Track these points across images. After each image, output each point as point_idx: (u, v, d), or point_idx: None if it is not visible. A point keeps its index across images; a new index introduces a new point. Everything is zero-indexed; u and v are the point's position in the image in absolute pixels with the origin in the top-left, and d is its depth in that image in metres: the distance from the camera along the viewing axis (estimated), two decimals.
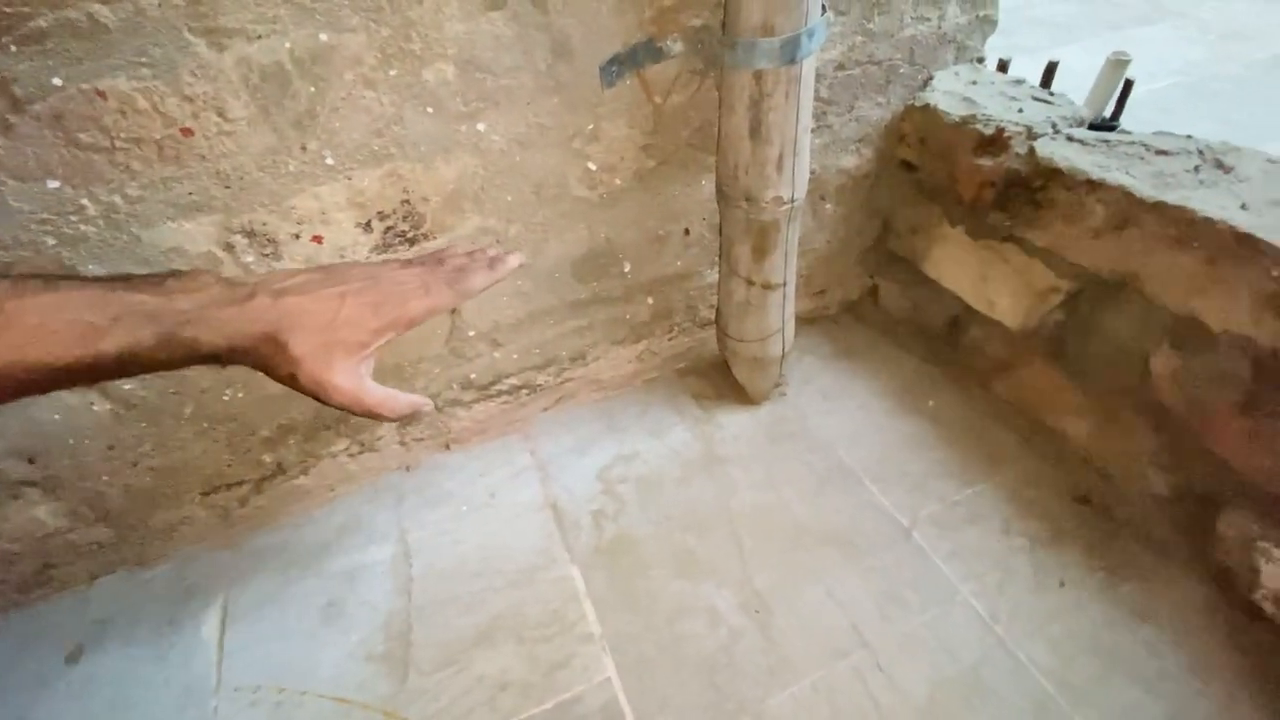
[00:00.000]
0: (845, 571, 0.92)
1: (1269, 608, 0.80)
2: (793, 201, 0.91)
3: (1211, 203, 0.75)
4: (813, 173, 1.09)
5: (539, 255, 0.98)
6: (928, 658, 0.82)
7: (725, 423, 1.15)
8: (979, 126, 0.97)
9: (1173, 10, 3.01)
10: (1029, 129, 0.94)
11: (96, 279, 0.42)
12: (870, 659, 0.82)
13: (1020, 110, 0.98)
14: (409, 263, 0.54)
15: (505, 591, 0.93)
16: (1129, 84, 1.47)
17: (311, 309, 0.46)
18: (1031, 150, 0.92)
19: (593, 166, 0.93)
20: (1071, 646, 0.82)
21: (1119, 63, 1.43)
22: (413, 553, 0.99)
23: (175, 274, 0.44)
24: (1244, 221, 0.72)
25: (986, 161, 0.97)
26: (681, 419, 1.17)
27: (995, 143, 0.96)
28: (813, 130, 1.04)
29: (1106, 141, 0.90)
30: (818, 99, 1.01)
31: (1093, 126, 1.51)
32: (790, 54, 0.78)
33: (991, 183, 0.97)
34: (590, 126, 0.89)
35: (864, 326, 1.32)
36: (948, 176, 1.04)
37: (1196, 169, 0.82)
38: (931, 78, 1.08)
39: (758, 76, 0.80)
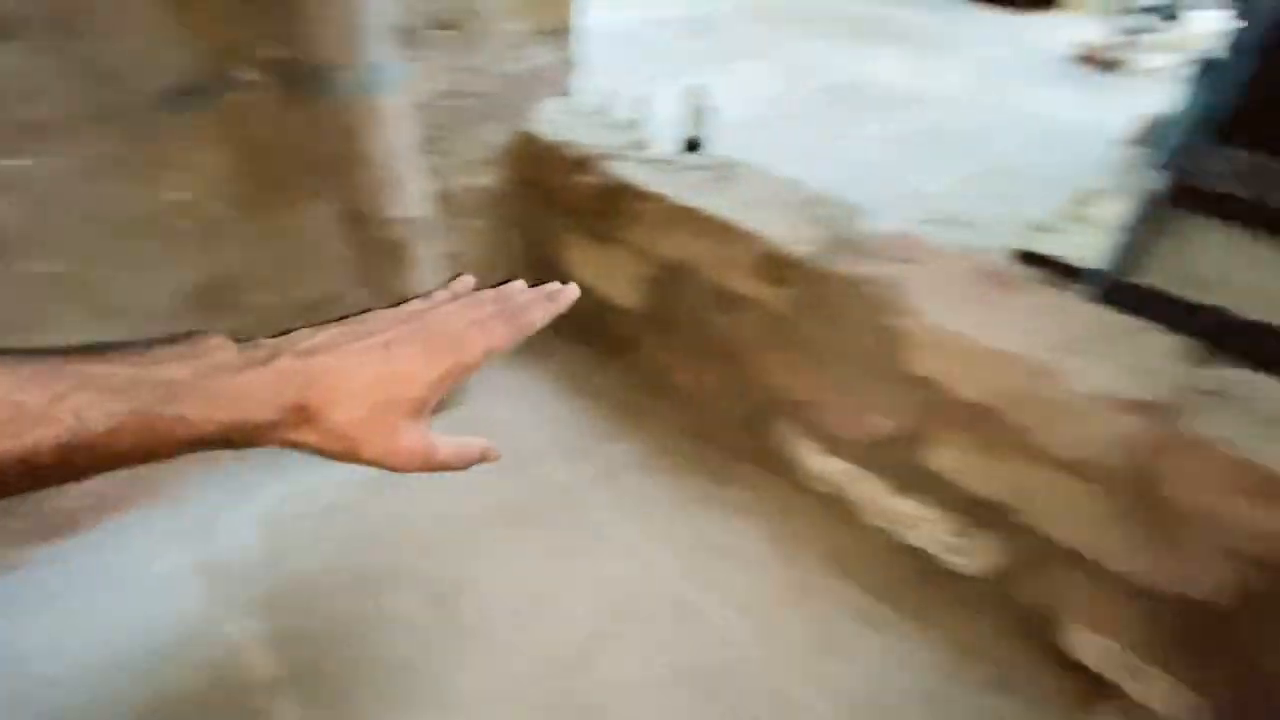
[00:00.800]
0: (525, 540, 1.04)
1: (816, 485, 1.13)
2: (413, 220, 0.99)
3: (714, 204, 1.03)
4: (452, 193, 1.19)
5: (141, 294, 0.90)
6: (590, 589, 0.98)
7: None
8: (566, 150, 1.17)
9: (768, 49, 3.89)
10: (604, 151, 1.16)
11: (51, 349, 0.31)
12: (544, 607, 0.95)
13: (599, 137, 1.20)
14: (452, 298, 0.45)
15: (162, 671, 0.85)
16: (710, 112, 1.89)
17: (351, 367, 0.37)
18: (608, 169, 1.15)
19: (185, 196, 0.89)
20: (699, 544, 1.05)
21: (694, 93, 1.81)
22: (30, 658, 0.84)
23: (169, 338, 0.34)
24: (731, 215, 1.01)
25: (582, 179, 1.17)
26: None
27: (583, 163, 1.16)
28: (433, 152, 1.14)
29: (656, 161, 1.15)
30: (433, 124, 1.11)
31: (689, 146, 1.88)
32: (369, 85, 0.85)
33: (588, 195, 1.18)
34: (167, 155, 0.86)
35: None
36: (559, 192, 1.23)
37: (713, 180, 1.11)
38: (532, 107, 1.26)
39: (348, 105, 0.86)
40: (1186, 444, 0.73)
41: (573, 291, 0.48)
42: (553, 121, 1.23)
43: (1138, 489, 0.78)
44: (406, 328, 0.40)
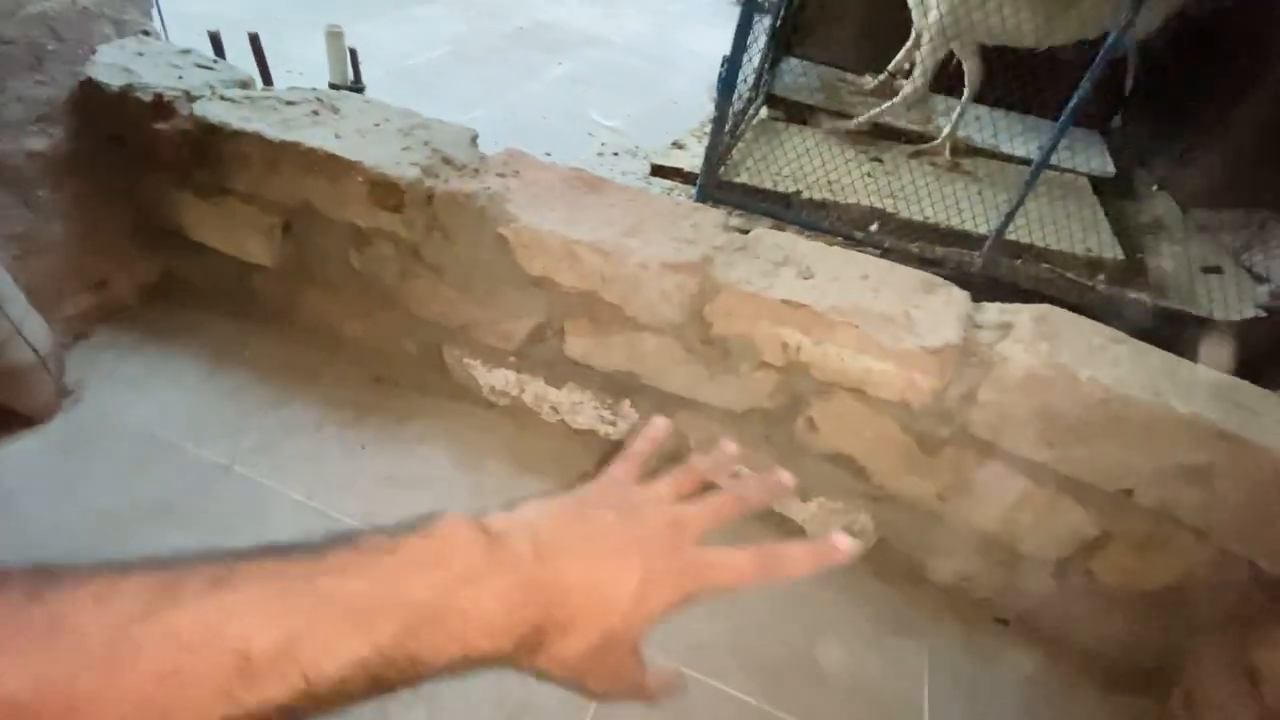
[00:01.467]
0: (171, 533, 0.95)
1: (497, 399, 1.21)
2: None
3: (315, 136, 1.01)
4: None
5: None
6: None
7: (3, 456, 1.00)
8: (138, 94, 1.03)
9: None
10: (187, 93, 1.05)
11: (274, 548, 0.23)
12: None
13: (180, 77, 1.08)
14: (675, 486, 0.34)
15: None
16: (354, 52, 1.80)
17: (595, 582, 0.28)
18: (191, 111, 1.04)
19: None
20: (382, 481, 1.07)
21: (334, 35, 1.71)
22: None
23: (411, 526, 0.26)
24: (334, 146, 0.99)
25: (163, 125, 1.05)
26: None
27: (160, 108, 1.04)
28: None
29: (250, 99, 1.08)
30: None
31: (338, 89, 1.78)
32: None
33: (177, 144, 1.06)
34: None
35: (171, 304, 1.31)
36: (146, 144, 1.09)
37: (315, 113, 1.07)
38: (95, 52, 1.08)
39: None
40: (718, 289, 0.94)
41: (844, 545, 0.35)
42: (121, 65, 1.07)
43: (698, 334, 0.99)
44: (658, 535, 0.32)
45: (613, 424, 1.17)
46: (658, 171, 1.90)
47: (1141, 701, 0.99)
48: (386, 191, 0.99)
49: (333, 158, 0.98)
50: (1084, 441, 0.83)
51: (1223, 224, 1.63)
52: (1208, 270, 1.49)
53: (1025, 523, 0.94)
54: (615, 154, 2.32)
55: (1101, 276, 1.52)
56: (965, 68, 1.83)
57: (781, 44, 2.01)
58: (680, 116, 2.72)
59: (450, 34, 3.22)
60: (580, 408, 1.17)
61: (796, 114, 2.05)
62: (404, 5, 3.49)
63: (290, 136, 1.00)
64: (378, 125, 1.06)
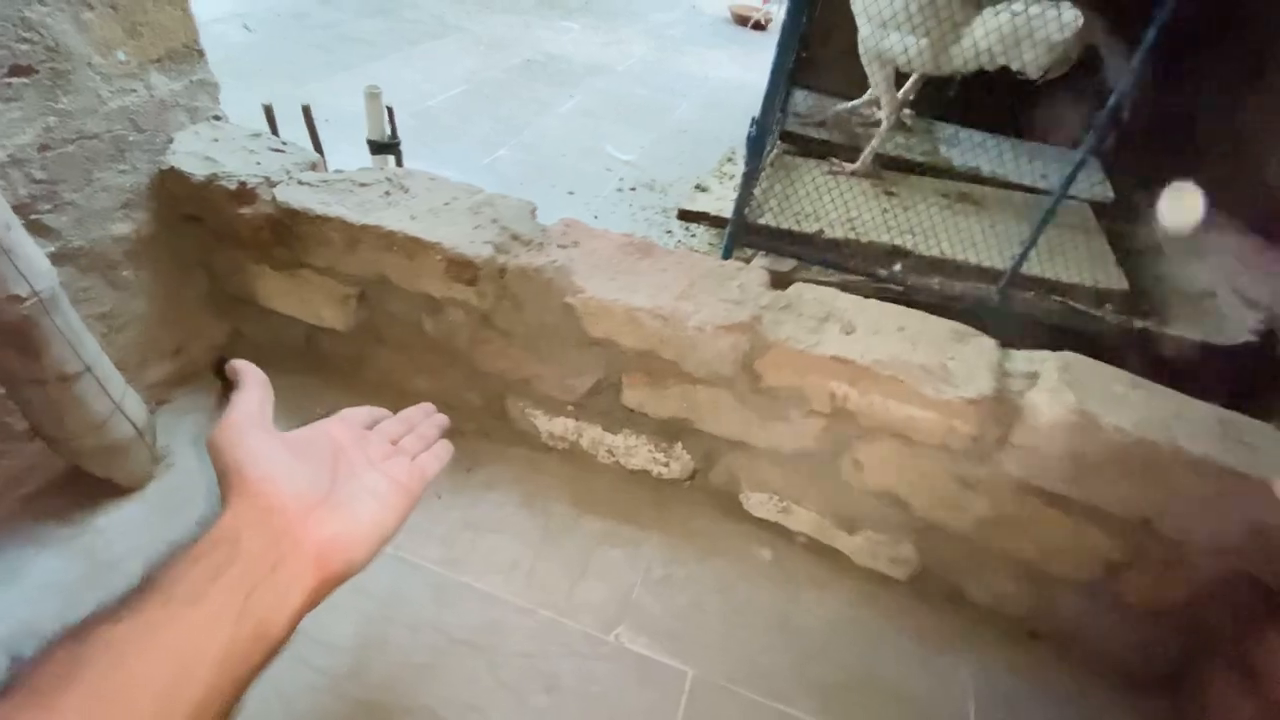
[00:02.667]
0: None
1: (555, 444, 1.30)
2: (37, 294, 0.89)
3: (393, 219, 1.10)
4: (80, 249, 1.07)
5: None
6: (353, 602, 1.03)
7: (106, 525, 1.08)
8: (223, 183, 1.12)
9: (454, 26, 3.85)
10: (268, 179, 1.14)
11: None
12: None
13: (258, 163, 1.17)
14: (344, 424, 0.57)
15: None
16: (391, 110, 1.89)
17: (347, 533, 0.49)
18: (274, 197, 1.13)
19: None
20: (458, 528, 1.15)
21: (373, 95, 1.80)
22: None
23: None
24: (412, 228, 1.08)
25: (246, 211, 1.14)
26: (44, 547, 1.04)
27: (244, 195, 1.13)
28: (51, 210, 1.01)
29: (326, 181, 1.17)
30: (36, 181, 0.98)
31: (379, 146, 1.87)
32: None
33: (258, 227, 1.15)
34: None
35: None
36: (227, 226, 1.18)
37: (387, 193, 1.16)
38: (172, 140, 1.16)
39: None
40: (768, 346, 1.04)
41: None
42: (199, 153, 1.16)
43: (749, 385, 1.08)
44: (359, 482, 0.51)
45: (665, 465, 1.26)
46: (684, 216, 1.99)
47: (1159, 703, 1.09)
48: (463, 268, 1.08)
49: (413, 239, 1.08)
50: (1107, 478, 0.93)
51: (1215, 248, 1.73)
52: (1204, 296, 1.59)
53: (1055, 548, 1.04)
54: (633, 189, 2.42)
55: (1109, 306, 1.63)
56: (878, 91, 1.94)
57: (791, 78, 2.11)
58: (690, 145, 2.83)
59: (463, 71, 3.32)
60: (635, 450, 1.26)
61: (807, 148, 2.16)
62: (415, 42, 3.60)
63: (370, 220, 1.09)
64: (447, 204, 1.15)
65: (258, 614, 0.36)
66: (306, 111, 1.61)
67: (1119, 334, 1.50)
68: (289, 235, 1.16)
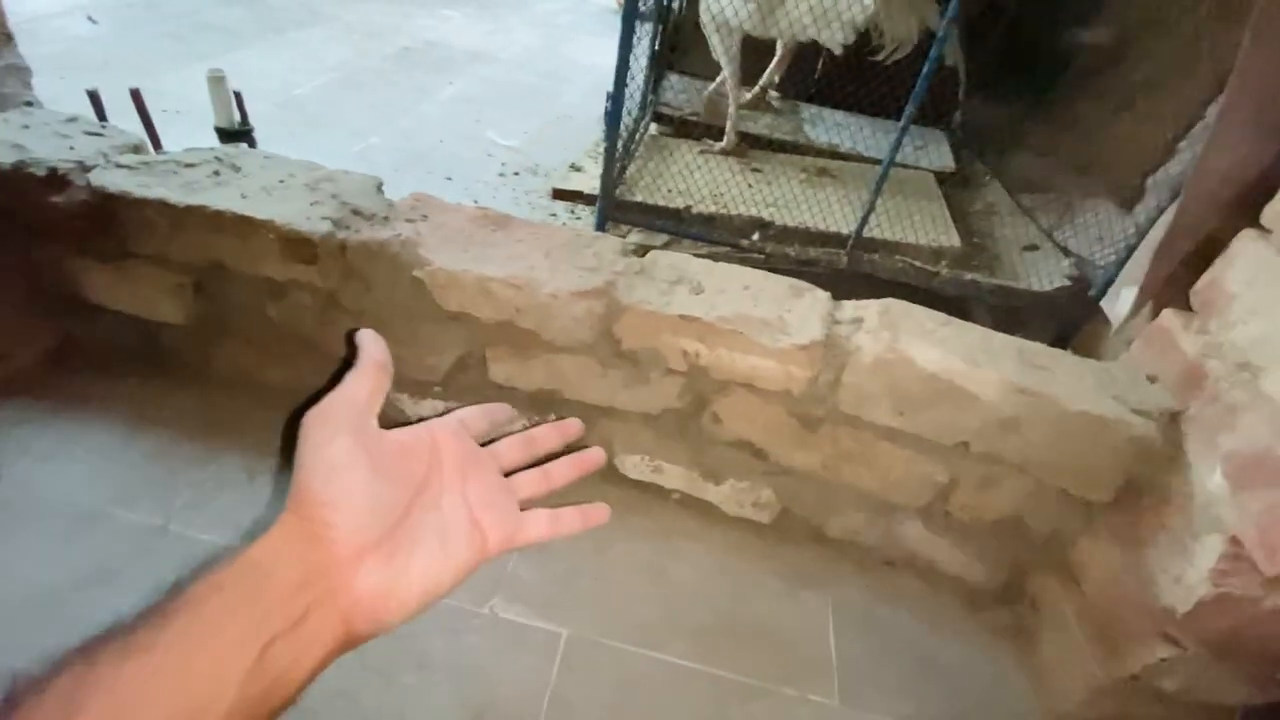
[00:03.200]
0: (115, 598, 0.97)
1: None
2: None
3: (220, 198, 1.04)
4: None
5: None
6: None
7: None
8: (31, 169, 1.03)
9: (324, 14, 3.66)
10: (81, 163, 1.06)
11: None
12: None
13: (71, 147, 1.08)
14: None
15: None
16: (239, 95, 1.78)
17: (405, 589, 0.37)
18: (88, 182, 1.05)
19: None
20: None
21: (216, 79, 1.69)
22: None
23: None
24: (241, 207, 1.04)
25: (59, 199, 1.05)
26: None
27: (54, 181, 1.04)
28: None
29: (147, 164, 1.09)
30: None
31: (229, 134, 1.77)
32: None
33: (74, 215, 1.06)
34: None
35: (76, 372, 1.28)
36: (42, 217, 1.08)
37: (216, 173, 1.10)
38: None
39: None
40: (622, 309, 1.07)
41: (604, 513, 0.48)
42: (7, 140, 1.06)
43: (610, 349, 1.11)
44: (435, 515, 0.39)
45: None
46: (559, 195, 2.00)
47: (1001, 613, 1.22)
48: (300, 246, 1.04)
49: (242, 218, 1.03)
50: (925, 408, 1.03)
51: (1039, 206, 1.94)
52: (1027, 249, 1.78)
53: (891, 478, 1.14)
54: (516, 173, 2.40)
55: (945, 262, 1.78)
56: (720, 59, 2.03)
57: (663, 62, 2.17)
58: (575, 130, 2.83)
59: (334, 59, 3.17)
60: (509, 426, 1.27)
61: (683, 129, 2.22)
62: (281, 30, 3.39)
63: (195, 200, 1.03)
64: (282, 181, 1.10)
65: (273, 670, 0.31)
66: (135, 95, 1.48)
67: (954, 286, 1.65)
68: (109, 223, 1.07)
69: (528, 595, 1.09)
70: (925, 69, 1.44)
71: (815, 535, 1.25)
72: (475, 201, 1.29)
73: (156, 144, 1.23)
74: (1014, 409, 1.01)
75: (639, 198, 1.75)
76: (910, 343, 1.01)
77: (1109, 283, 1.53)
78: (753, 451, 1.17)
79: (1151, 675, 0.97)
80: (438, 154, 2.42)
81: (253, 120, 1.90)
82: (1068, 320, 1.53)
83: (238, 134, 1.72)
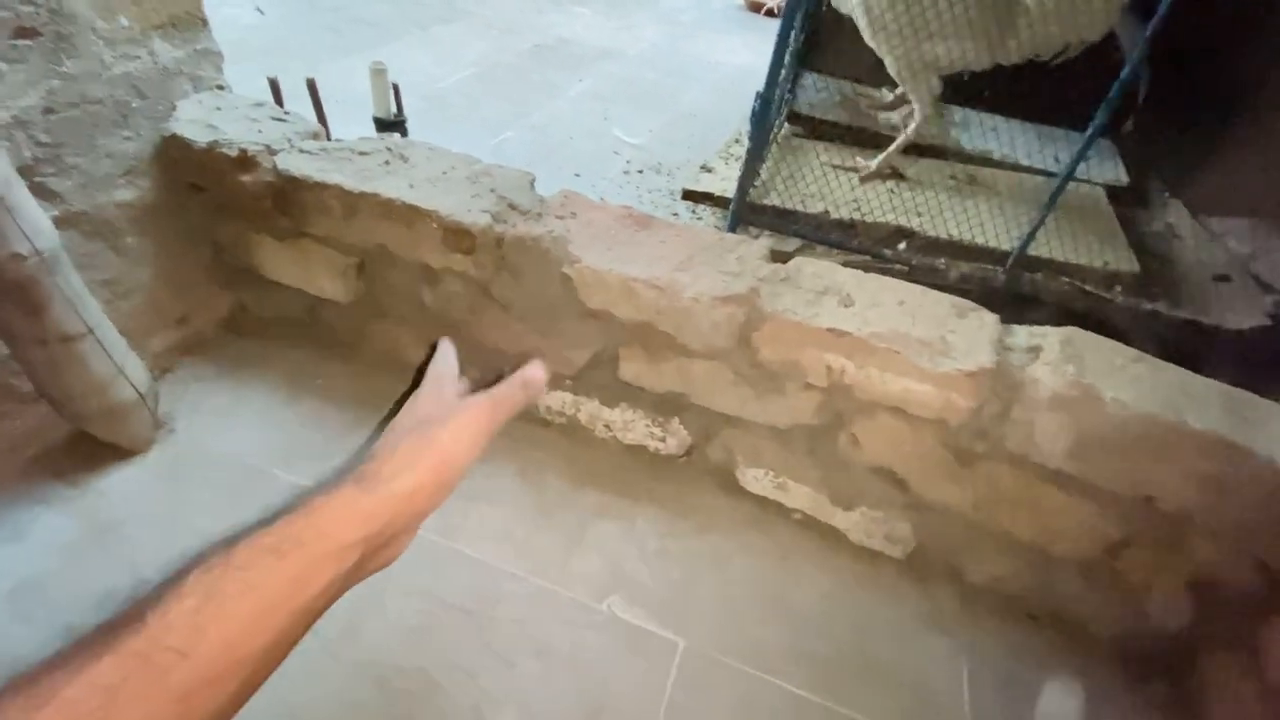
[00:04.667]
0: None
1: (553, 418, 1.30)
2: (39, 253, 0.90)
3: (391, 186, 1.10)
4: (84, 213, 1.08)
5: None
6: None
7: (107, 488, 1.10)
8: (224, 149, 1.12)
9: (464, 10, 3.83)
10: (268, 146, 1.15)
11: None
12: None
13: (259, 131, 1.17)
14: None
15: None
16: (397, 87, 1.89)
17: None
18: (274, 164, 1.13)
19: None
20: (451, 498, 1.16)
21: (378, 71, 1.80)
22: None
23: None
24: (410, 196, 1.08)
25: (247, 178, 1.14)
26: (48, 506, 1.06)
27: (244, 162, 1.13)
28: (55, 174, 1.02)
29: (326, 150, 1.17)
30: (40, 144, 0.99)
31: (385, 124, 1.87)
32: None
33: (259, 195, 1.16)
34: None
35: (245, 338, 1.41)
36: (229, 194, 1.18)
37: (386, 163, 1.16)
38: (175, 107, 1.17)
39: None
40: (764, 318, 1.03)
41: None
42: (203, 120, 1.17)
43: (745, 358, 1.07)
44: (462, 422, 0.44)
45: (662, 440, 1.26)
46: (688, 196, 1.98)
47: (1159, 686, 1.07)
48: (460, 237, 1.08)
49: (410, 207, 1.07)
50: (1109, 455, 0.91)
51: (1231, 231, 1.69)
52: (1217, 279, 1.55)
53: (1055, 528, 1.02)
54: (640, 171, 2.40)
55: (1119, 288, 1.59)
56: (913, 99, 1.85)
57: (801, 60, 2.09)
58: (699, 129, 2.79)
59: (473, 54, 3.31)
60: (632, 425, 1.26)
61: (819, 130, 2.13)
62: (424, 25, 3.58)
63: (368, 187, 1.09)
64: (445, 173, 1.15)
65: (351, 578, 0.37)
66: (311, 85, 1.61)
67: (1128, 316, 1.47)
68: (289, 203, 1.16)
69: (645, 598, 1.08)
70: (1123, 74, 1.28)
71: (953, 577, 1.15)
72: (602, 198, 1.29)
73: (327, 131, 1.32)
74: (1218, 466, 0.88)
75: (772, 200, 1.69)
76: (1099, 379, 0.90)
77: None
78: (892, 480, 1.09)
79: None
80: (567, 149, 2.46)
81: (413, 116, 2.00)
82: (1266, 367, 1.32)
83: (393, 124, 1.82)
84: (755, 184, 1.71)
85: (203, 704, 0.29)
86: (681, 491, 1.25)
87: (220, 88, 1.26)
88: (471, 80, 3.03)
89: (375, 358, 1.36)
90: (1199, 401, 0.90)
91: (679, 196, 2.12)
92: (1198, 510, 0.92)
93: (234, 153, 1.13)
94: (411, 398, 0.46)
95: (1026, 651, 1.10)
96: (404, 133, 1.88)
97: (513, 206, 1.11)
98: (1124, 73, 1.30)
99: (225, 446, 1.18)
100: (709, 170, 2.03)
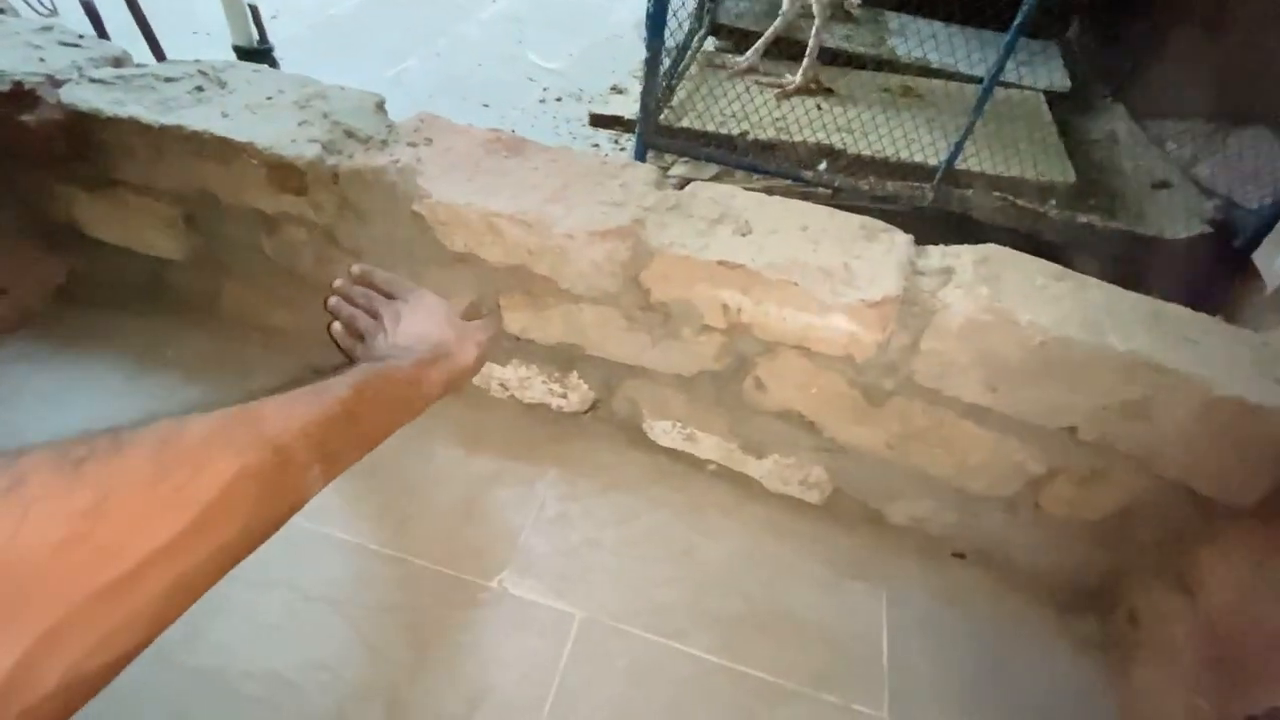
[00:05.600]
0: None
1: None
2: None
3: (197, 117, 0.92)
4: None
5: None
6: None
7: None
8: None
9: None
10: (50, 77, 0.95)
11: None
12: None
13: (42, 59, 0.97)
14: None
15: None
16: (254, 9, 1.64)
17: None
18: (58, 99, 0.94)
19: None
20: None
21: None
22: None
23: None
24: (221, 127, 0.91)
25: (29, 118, 0.95)
26: None
27: (21, 97, 0.93)
28: None
29: (124, 78, 0.97)
30: None
31: (247, 54, 1.64)
32: None
33: (49, 137, 0.97)
34: None
35: (86, 309, 1.23)
36: (13, 139, 0.99)
37: (198, 89, 0.97)
38: None
39: None
40: (651, 254, 0.90)
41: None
42: None
43: (636, 300, 0.95)
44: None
45: (564, 396, 1.14)
46: (596, 121, 1.80)
47: (1089, 621, 1.03)
48: (286, 173, 0.91)
49: (221, 140, 0.90)
50: (1026, 384, 0.82)
51: (1174, 135, 1.59)
52: (1156, 186, 1.46)
53: (973, 464, 0.95)
54: (559, 99, 2.20)
55: (1054, 201, 1.49)
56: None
57: None
58: (623, 53, 2.57)
59: None
60: (528, 382, 1.14)
61: (745, 44, 1.94)
62: None
63: (170, 120, 0.91)
64: (270, 99, 0.96)
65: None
66: (131, 2, 1.37)
67: (1063, 230, 1.38)
68: (85, 146, 0.97)
69: (540, 569, 0.99)
70: None
71: (872, 520, 1.08)
72: (514, 130, 1.13)
73: (160, 58, 1.12)
74: (1144, 390, 0.80)
75: (688, 123, 1.53)
76: (1015, 301, 0.80)
77: (1263, 231, 1.23)
78: (802, 424, 1.00)
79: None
80: (475, 78, 2.23)
81: (287, 42, 1.76)
82: (1206, 276, 1.24)
83: (257, 53, 1.59)
84: (669, 105, 1.54)
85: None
86: (585, 450, 1.14)
87: (1, 11, 1.04)
88: (370, 4, 2.72)
89: (231, 322, 1.20)
90: (1124, 320, 0.81)
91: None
92: (1122, 439, 0.84)
93: (7, 87, 0.93)
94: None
95: (949, 592, 1.04)
96: (272, 63, 1.65)
97: (350, 134, 0.94)
98: None
99: (44, 433, 1.03)
100: (620, 91, 1.85)
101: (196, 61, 1.02)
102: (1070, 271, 0.86)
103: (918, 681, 0.95)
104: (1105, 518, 0.94)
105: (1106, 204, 1.46)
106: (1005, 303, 0.80)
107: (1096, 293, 0.84)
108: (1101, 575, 1.01)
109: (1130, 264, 1.22)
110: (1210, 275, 1.29)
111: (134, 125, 0.91)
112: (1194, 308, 0.87)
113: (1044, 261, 0.87)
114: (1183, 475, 0.85)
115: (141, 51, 1.11)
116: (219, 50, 1.82)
